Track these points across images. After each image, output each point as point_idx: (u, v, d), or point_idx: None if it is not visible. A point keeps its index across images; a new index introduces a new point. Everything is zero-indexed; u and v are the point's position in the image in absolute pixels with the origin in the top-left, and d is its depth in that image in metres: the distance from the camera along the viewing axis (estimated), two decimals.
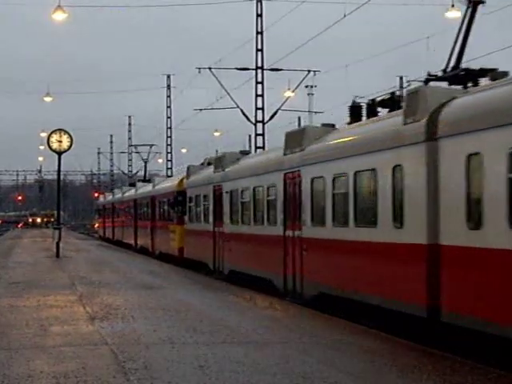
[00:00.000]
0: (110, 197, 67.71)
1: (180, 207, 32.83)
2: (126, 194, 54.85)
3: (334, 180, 16.96)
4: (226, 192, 25.61)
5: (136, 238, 48.05)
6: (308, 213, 18.45)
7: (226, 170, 26.20)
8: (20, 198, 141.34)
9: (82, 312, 16.74)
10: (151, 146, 64.62)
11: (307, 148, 18.73)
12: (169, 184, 38.44)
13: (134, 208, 48.92)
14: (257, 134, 41.13)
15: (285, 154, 20.21)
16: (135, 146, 64.63)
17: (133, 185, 56.07)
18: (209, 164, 30.82)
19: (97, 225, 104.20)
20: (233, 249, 24.82)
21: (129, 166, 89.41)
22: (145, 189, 46.81)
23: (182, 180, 34.10)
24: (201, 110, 48.73)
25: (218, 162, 27.61)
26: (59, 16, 31.12)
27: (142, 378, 10.06)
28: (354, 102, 18.04)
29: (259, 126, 40.99)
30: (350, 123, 17.93)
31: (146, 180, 56.40)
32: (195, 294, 21.12)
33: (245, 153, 28.46)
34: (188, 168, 33.04)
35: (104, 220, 69.28)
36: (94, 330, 14.18)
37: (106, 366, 10.80)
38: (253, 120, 41.07)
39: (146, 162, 64.33)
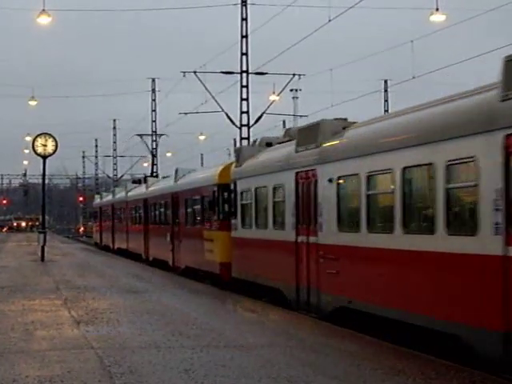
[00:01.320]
0: (109, 197, 56.56)
1: (225, 206, 24.71)
2: (132, 193, 44.87)
3: None
4: (330, 180, 16.73)
5: (147, 248, 38.78)
6: None
7: (325, 146, 17.27)
8: (5, 202, 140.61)
9: (68, 316, 16.69)
10: (160, 135, 60.39)
11: None
12: (204, 175, 28.69)
13: (143, 209, 39.97)
14: (242, 138, 41.15)
15: (503, 99, 10.94)
16: (141, 135, 57.93)
17: (137, 182, 48.04)
18: (267, 145, 22.52)
19: (82, 229, 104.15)
20: (345, 273, 15.91)
21: (114, 169, 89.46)
22: (161, 184, 37.75)
23: (226, 168, 25.10)
24: (186, 113, 48.79)
25: (307, 133, 18.33)
26: (44, 20, 31.20)
27: (127, 383, 10.04)
28: None
29: (244, 129, 41.06)
30: None
31: (153, 176, 49.58)
32: (180, 298, 21.08)
33: (344, 119, 17.95)
34: (239, 151, 23.95)
35: (101, 225, 58.81)
36: (80, 334, 14.15)
37: (92, 371, 10.77)
38: (238, 124, 41.14)
39: (153, 155, 58.12)
